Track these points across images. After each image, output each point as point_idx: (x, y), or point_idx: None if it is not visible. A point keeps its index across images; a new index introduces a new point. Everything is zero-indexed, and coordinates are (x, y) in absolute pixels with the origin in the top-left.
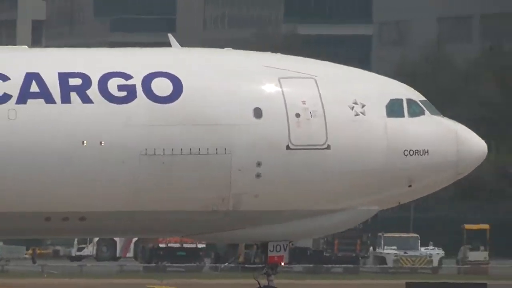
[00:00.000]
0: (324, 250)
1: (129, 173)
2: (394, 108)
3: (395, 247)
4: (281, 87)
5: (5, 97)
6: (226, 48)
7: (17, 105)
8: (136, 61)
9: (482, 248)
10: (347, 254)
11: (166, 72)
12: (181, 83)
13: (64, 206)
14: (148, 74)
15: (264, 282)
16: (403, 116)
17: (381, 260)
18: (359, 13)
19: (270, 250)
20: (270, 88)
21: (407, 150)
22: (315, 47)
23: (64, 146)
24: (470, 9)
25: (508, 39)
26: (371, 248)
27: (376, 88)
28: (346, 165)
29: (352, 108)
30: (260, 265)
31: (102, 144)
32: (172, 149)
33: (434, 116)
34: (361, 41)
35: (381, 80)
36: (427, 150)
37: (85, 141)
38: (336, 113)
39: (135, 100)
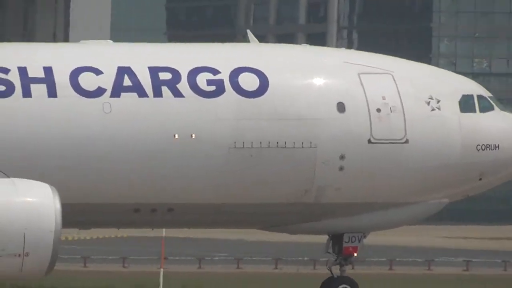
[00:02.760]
0: None
1: (218, 165)
2: (466, 104)
3: None
4: (361, 82)
5: (100, 91)
6: (303, 44)
7: (111, 98)
8: (221, 56)
9: None
10: None
11: (251, 67)
12: (266, 78)
13: (153, 198)
14: (234, 69)
15: (337, 272)
16: (475, 111)
17: None
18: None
19: (345, 241)
20: (351, 83)
21: (479, 145)
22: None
23: (156, 139)
24: None
25: None
26: None
27: (449, 84)
28: (423, 159)
29: (428, 103)
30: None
31: (193, 137)
32: (260, 143)
33: (502, 111)
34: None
35: (452, 76)
36: (498, 145)
37: (176, 135)
38: (413, 108)
39: (224, 95)
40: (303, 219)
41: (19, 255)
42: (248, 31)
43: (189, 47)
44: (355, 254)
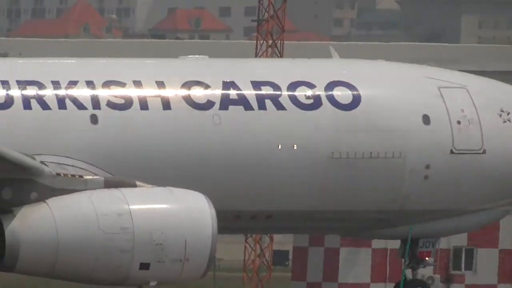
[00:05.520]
0: None
1: (317, 174)
2: None
3: None
4: (441, 95)
5: (209, 104)
6: (379, 60)
7: (220, 111)
8: (315, 70)
9: None
10: None
11: (343, 81)
12: (358, 91)
13: (253, 205)
14: (328, 83)
15: (409, 275)
16: None
17: None
18: None
19: (420, 246)
20: (433, 96)
21: None
22: None
23: (262, 149)
24: None
25: None
26: None
27: None
28: (498, 168)
29: (500, 115)
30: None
31: (295, 148)
32: (355, 153)
33: None
34: None
35: None
36: None
37: (280, 145)
38: (488, 120)
39: (321, 107)
40: (385, 225)
41: (181, 260)
42: (331, 47)
43: (285, 62)
44: (427, 259)
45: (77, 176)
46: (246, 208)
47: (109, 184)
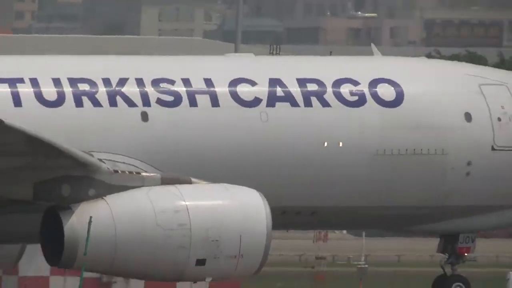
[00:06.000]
0: None
1: (362, 171)
2: None
3: None
4: (482, 93)
5: (257, 101)
6: (421, 57)
7: (267, 108)
8: (359, 67)
9: None
10: None
11: (386, 78)
12: (401, 89)
13: (298, 201)
14: (372, 80)
15: (449, 270)
16: None
17: None
18: None
19: (460, 241)
20: (474, 94)
21: None
22: None
23: (308, 146)
24: None
25: None
26: None
27: None
28: None
29: None
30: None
31: (340, 145)
32: (399, 150)
33: None
34: None
35: None
36: None
37: (326, 142)
38: None
39: (366, 105)
40: (426, 221)
41: (235, 256)
42: (372, 45)
43: (328, 60)
44: (466, 254)
45: (134, 173)
46: (291, 204)
47: (165, 181)
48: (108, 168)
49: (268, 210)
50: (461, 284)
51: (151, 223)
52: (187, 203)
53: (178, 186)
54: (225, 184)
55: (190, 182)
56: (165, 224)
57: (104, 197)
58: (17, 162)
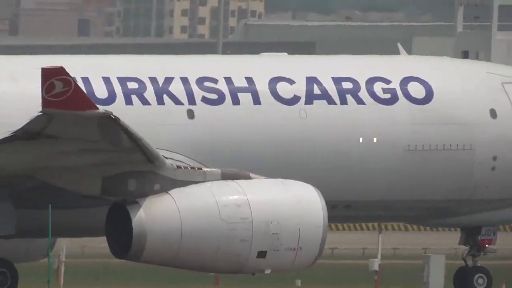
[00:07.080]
0: None
1: (394, 166)
2: None
3: None
4: (505, 90)
5: (295, 99)
6: (444, 56)
7: (306, 105)
8: (389, 66)
9: None
10: None
11: (415, 77)
12: (430, 87)
13: (335, 195)
14: (403, 79)
15: (470, 262)
16: None
17: None
18: None
19: (482, 234)
20: (498, 91)
21: None
22: None
23: (344, 142)
24: None
25: None
26: None
27: None
28: None
29: None
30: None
31: (374, 141)
32: (429, 145)
33: None
34: None
35: None
36: None
37: (361, 138)
38: None
39: (398, 102)
40: (453, 214)
41: (294, 249)
42: (399, 44)
43: (360, 58)
44: (487, 246)
45: (196, 169)
46: (328, 198)
47: (225, 176)
48: (172, 164)
49: (324, 203)
50: (483, 275)
51: (215, 217)
52: (248, 197)
53: (238, 181)
54: (282, 179)
55: (249, 177)
56: (228, 218)
57: (169, 192)
58: (99, 158)
